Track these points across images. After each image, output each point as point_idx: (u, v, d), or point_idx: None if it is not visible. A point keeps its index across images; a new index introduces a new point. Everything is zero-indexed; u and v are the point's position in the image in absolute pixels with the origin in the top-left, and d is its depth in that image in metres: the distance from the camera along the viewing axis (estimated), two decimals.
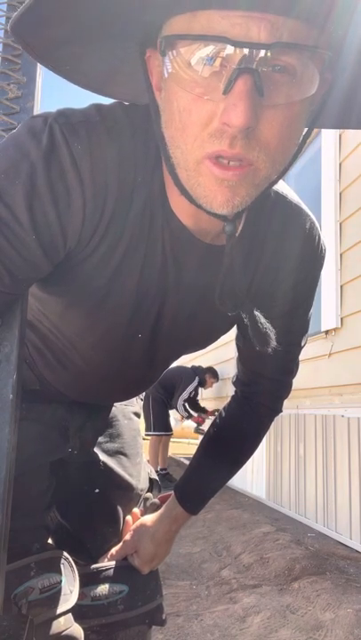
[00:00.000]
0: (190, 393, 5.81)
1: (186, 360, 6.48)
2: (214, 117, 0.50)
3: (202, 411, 6.14)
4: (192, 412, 5.91)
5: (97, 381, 0.89)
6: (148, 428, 5.71)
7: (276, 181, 0.59)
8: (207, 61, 0.49)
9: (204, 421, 6.12)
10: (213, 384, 5.96)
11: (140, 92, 0.66)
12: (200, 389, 6.13)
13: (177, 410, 5.82)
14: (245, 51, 0.47)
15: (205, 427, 6.36)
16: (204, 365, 6.01)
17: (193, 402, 6.14)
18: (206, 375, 5.86)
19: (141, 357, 0.82)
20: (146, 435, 5.76)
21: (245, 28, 0.47)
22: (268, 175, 0.55)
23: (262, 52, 0.47)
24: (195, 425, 6.27)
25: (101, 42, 0.57)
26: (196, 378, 5.83)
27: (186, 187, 0.57)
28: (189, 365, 6.06)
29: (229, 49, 0.47)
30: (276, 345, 0.74)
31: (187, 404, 5.83)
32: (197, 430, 6.25)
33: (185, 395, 5.78)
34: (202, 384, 5.89)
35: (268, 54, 0.48)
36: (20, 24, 0.51)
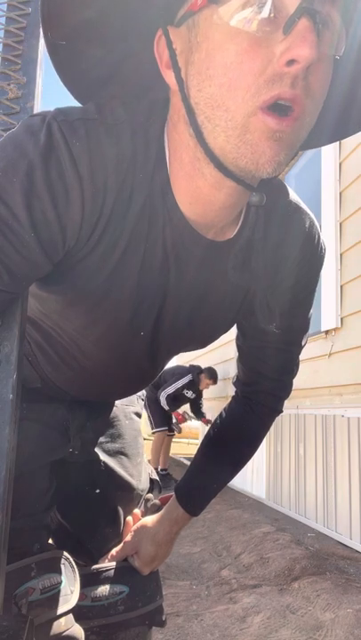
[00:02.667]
0: (178, 389, 5.58)
1: (187, 360, 6.45)
2: (269, 63, 0.51)
3: (201, 415, 6.00)
4: (172, 407, 5.67)
5: (99, 378, 0.89)
6: (151, 427, 5.67)
7: (295, 154, 0.59)
8: (259, 8, 0.50)
9: (183, 420, 5.85)
10: (210, 385, 5.75)
11: (145, 84, 0.67)
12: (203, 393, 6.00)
13: (160, 402, 5.64)
14: None
15: (184, 425, 6.19)
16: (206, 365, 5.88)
17: (196, 404, 5.95)
18: (202, 375, 5.66)
19: (143, 354, 0.82)
20: (152, 433, 5.73)
21: None
22: (303, 136, 0.56)
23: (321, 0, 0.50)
24: (183, 421, 5.97)
25: (117, 26, 0.58)
26: (189, 375, 5.63)
27: (224, 152, 0.56)
28: (188, 365, 5.93)
29: None
30: (277, 326, 0.74)
31: (169, 399, 5.60)
32: (174, 425, 5.94)
33: (170, 390, 5.57)
34: (196, 382, 5.67)
35: (325, 4, 0.50)
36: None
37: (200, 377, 5.66)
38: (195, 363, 6.05)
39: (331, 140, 0.71)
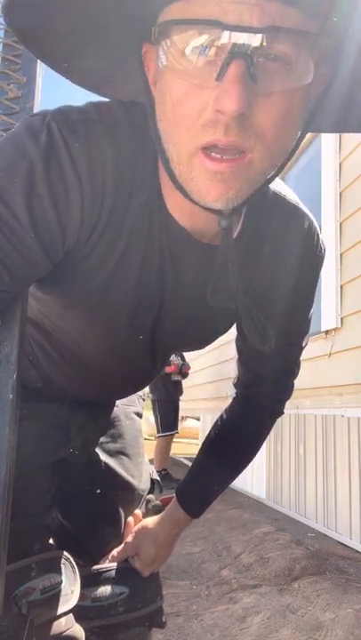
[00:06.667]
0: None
1: (187, 359, 6.40)
2: (207, 107, 0.50)
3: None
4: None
5: (100, 377, 0.89)
6: (157, 431, 5.64)
7: (273, 178, 0.58)
8: (200, 50, 0.49)
9: (177, 369, 5.63)
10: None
11: (139, 91, 0.66)
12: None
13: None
14: (238, 36, 0.47)
15: (185, 426, 6.04)
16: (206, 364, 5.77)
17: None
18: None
19: (143, 355, 0.83)
20: (157, 437, 5.69)
21: (238, 14, 0.47)
22: (265, 169, 0.55)
23: (255, 38, 0.47)
24: (176, 370, 5.70)
25: (100, 36, 0.57)
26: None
27: (180, 182, 0.57)
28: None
29: (223, 35, 0.47)
30: (274, 343, 0.74)
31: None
32: (176, 374, 5.73)
33: None
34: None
35: (263, 42, 0.48)
36: (16, 14, 0.52)
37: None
38: (195, 363, 6.02)
39: (334, 129, 0.69)
